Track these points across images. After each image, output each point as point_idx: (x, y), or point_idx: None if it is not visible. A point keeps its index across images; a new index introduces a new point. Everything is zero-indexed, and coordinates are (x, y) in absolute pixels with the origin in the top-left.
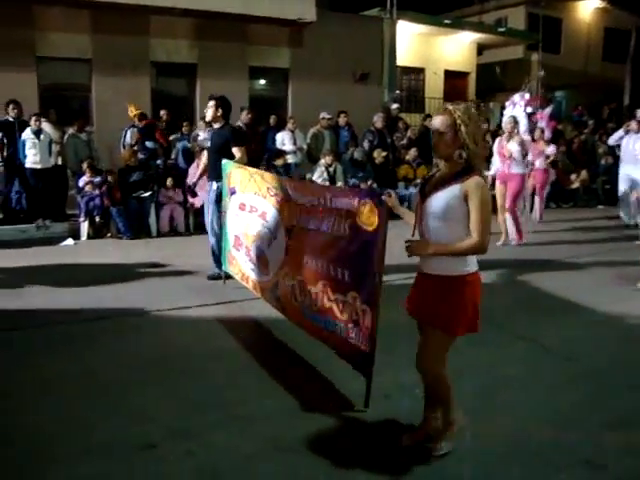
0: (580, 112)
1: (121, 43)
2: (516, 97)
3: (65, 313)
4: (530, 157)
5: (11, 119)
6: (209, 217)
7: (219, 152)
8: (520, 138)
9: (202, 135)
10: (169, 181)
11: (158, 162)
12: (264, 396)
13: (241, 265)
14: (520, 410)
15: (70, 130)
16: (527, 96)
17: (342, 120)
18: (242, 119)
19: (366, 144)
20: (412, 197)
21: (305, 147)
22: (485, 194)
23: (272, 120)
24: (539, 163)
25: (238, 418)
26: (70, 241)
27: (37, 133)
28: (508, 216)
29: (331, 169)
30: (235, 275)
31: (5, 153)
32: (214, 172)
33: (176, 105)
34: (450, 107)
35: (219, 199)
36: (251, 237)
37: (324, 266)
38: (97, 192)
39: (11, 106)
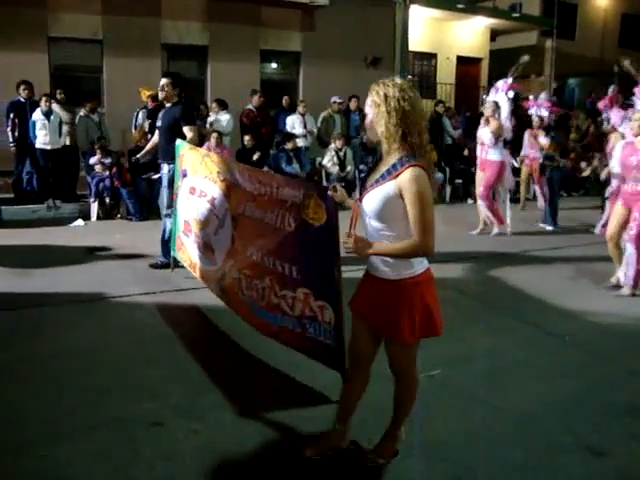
0: (592, 100)
1: (133, 24)
2: (499, 83)
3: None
4: (526, 145)
5: (22, 100)
6: (163, 201)
7: (170, 132)
8: (497, 123)
9: (213, 117)
10: None
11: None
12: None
13: (189, 252)
14: (524, 395)
15: (81, 111)
16: (509, 81)
17: (353, 104)
18: (253, 102)
19: None
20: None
21: (315, 131)
22: (421, 188)
23: (285, 101)
24: (536, 152)
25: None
26: (80, 222)
27: (47, 114)
28: (482, 203)
29: (341, 153)
30: (184, 262)
31: (16, 134)
32: (165, 153)
33: (187, 86)
34: (377, 85)
35: (172, 182)
36: (199, 223)
37: (269, 260)
38: (107, 173)
39: (22, 87)
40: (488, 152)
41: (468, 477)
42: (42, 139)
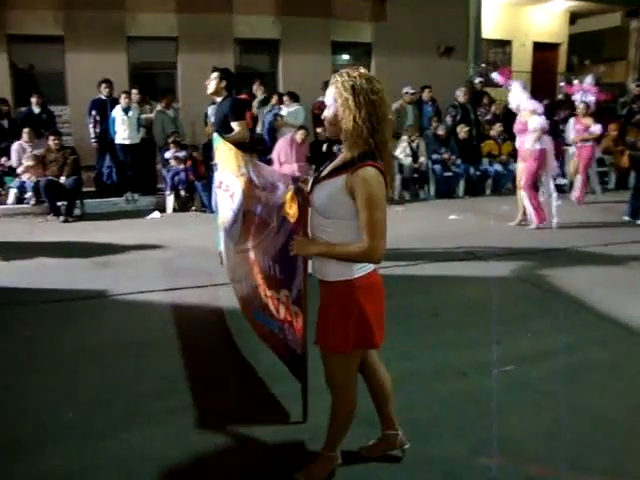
0: None
1: (206, 20)
2: (497, 79)
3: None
4: (572, 134)
5: (103, 97)
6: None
7: (221, 127)
8: (526, 109)
9: (284, 110)
10: (253, 156)
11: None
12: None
13: (222, 247)
14: (604, 394)
15: (158, 106)
16: (498, 72)
17: (426, 95)
18: (324, 94)
19: (449, 119)
20: (496, 175)
21: None
22: (374, 188)
23: None
24: (583, 141)
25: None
26: (157, 214)
27: (126, 110)
28: (524, 195)
29: (414, 145)
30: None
31: (97, 130)
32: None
33: (259, 81)
34: (341, 75)
35: None
36: (224, 218)
37: (262, 258)
38: (182, 167)
39: (103, 85)
40: (525, 141)
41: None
42: (121, 134)
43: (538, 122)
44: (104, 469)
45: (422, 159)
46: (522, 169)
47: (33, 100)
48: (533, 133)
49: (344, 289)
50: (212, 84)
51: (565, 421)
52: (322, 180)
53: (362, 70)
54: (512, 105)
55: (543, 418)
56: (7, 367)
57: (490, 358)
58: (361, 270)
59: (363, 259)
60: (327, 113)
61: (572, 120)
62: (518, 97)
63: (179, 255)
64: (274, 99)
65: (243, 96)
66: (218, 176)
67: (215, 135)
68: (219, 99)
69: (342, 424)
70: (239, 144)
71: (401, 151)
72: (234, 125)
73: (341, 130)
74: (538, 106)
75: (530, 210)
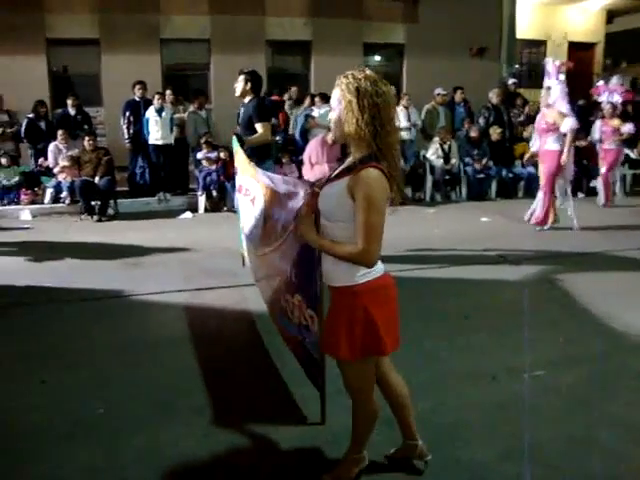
0: None
1: (238, 22)
2: (548, 66)
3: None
4: (597, 135)
5: (137, 99)
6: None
7: (246, 128)
8: (555, 111)
9: (316, 112)
10: (285, 157)
11: (277, 138)
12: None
13: (245, 249)
14: (637, 403)
15: (190, 107)
16: (557, 62)
17: (458, 96)
18: None
19: (482, 121)
20: (529, 177)
21: (419, 124)
22: (374, 191)
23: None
24: (611, 142)
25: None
26: (188, 214)
27: (159, 111)
28: (540, 194)
29: (446, 146)
30: (245, 258)
31: (131, 131)
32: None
33: (290, 82)
34: (346, 77)
35: None
36: (245, 222)
37: (280, 263)
38: (214, 167)
39: (137, 86)
40: (546, 142)
41: None
42: (154, 135)
43: (571, 123)
44: (132, 465)
45: (454, 161)
46: (542, 170)
47: (69, 102)
48: (569, 134)
49: (349, 295)
50: (239, 86)
51: (596, 429)
52: (328, 183)
53: (368, 72)
54: (549, 100)
55: (574, 426)
56: (42, 363)
57: (520, 362)
58: (367, 275)
59: (355, 261)
60: (332, 116)
61: (598, 122)
62: (557, 95)
63: (209, 255)
64: (307, 101)
65: (274, 97)
66: (238, 180)
67: (234, 138)
68: (245, 101)
69: (365, 427)
70: (264, 144)
71: (432, 152)
72: (258, 126)
73: (344, 133)
74: (569, 109)
75: (539, 208)
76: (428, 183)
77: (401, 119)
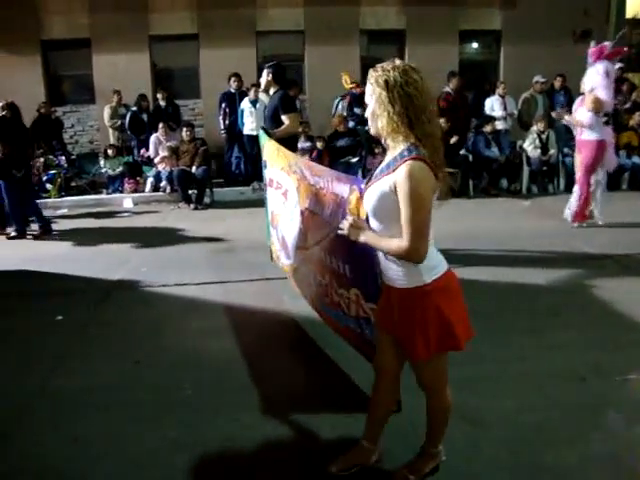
0: None
1: (332, 13)
2: (590, 51)
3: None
4: None
5: (233, 90)
6: None
7: (272, 120)
8: (592, 97)
9: None
10: (377, 148)
11: (367, 128)
12: None
13: (274, 243)
14: None
15: None
16: (608, 46)
17: (558, 83)
18: (451, 85)
19: None
20: (633, 168)
21: (516, 113)
22: (417, 185)
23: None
24: None
25: None
26: None
27: (254, 102)
28: (576, 188)
29: (544, 136)
30: (273, 253)
31: (227, 122)
32: None
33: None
34: (375, 70)
35: None
36: (277, 216)
37: (328, 257)
38: (307, 157)
39: (233, 79)
40: (583, 131)
41: None
42: (249, 126)
43: (588, 117)
44: (211, 444)
45: (552, 151)
46: (579, 161)
47: (159, 95)
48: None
49: (419, 296)
50: (263, 80)
51: None
52: (373, 182)
53: (397, 62)
54: (585, 87)
55: None
56: (138, 344)
57: (612, 364)
58: (434, 273)
59: (403, 258)
60: (367, 111)
61: None
62: (595, 80)
63: None
64: None
65: (359, 90)
66: (267, 173)
67: (261, 132)
68: (272, 93)
69: (439, 422)
70: (291, 137)
71: (530, 143)
72: (284, 118)
73: (377, 127)
74: (609, 99)
75: (574, 204)
76: (524, 174)
77: (496, 108)
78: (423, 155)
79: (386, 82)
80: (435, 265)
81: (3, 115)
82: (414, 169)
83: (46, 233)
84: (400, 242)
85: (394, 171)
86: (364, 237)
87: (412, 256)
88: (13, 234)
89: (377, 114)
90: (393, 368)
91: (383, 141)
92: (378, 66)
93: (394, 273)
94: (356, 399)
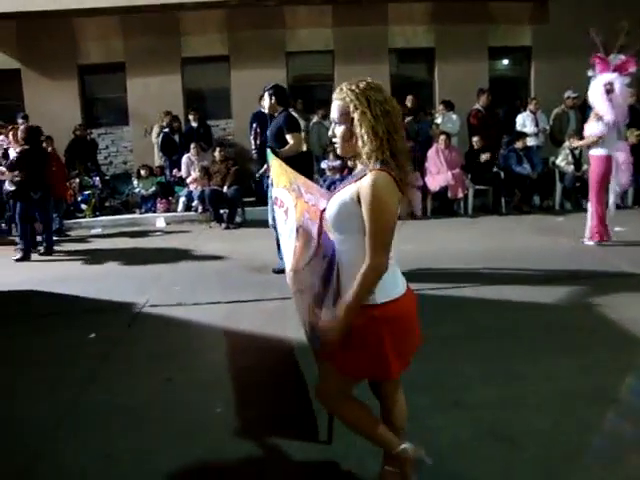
0: None
1: (361, 32)
2: (595, 60)
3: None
4: None
5: (263, 110)
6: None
7: (276, 139)
8: (593, 113)
9: (440, 119)
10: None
11: None
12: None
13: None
14: None
15: (315, 118)
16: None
17: None
18: (480, 102)
19: None
20: None
21: (548, 129)
22: (379, 193)
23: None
24: None
25: None
26: None
27: None
28: (588, 206)
29: (576, 152)
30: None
31: (258, 141)
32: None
33: (414, 90)
34: (351, 87)
35: None
36: (280, 235)
37: (310, 275)
38: (338, 176)
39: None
40: (592, 146)
41: None
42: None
43: (599, 129)
44: (240, 468)
45: (586, 167)
46: (590, 177)
47: (190, 117)
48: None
49: (367, 317)
50: (266, 103)
51: None
52: (334, 193)
53: (369, 79)
54: (589, 100)
55: None
56: (169, 362)
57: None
58: (386, 294)
59: (372, 279)
60: (338, 130)
61: None
62: (596, 94)
63: None
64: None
65: None
66: (274, 192)
67: (268, 151)
68: (275, 113)
69: (367, 435)
70: (298, 157)
71: (562, 159)
72: (288, 137)
73: (357, 146)
74: (610, 114)
75: (589, 222)
76: (557, 191)
77: (528, 124)
78: (394, 171)
79: (368, 100)
80: (391, 287)
81: (23, 149)
82: (378, 178)
83: (48, 252)
84: (363, 267)
85: (357, 181)
86: (341, 315)
87: (376, 273)
88: (18, 256)
89: (360, 132)
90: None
91: (351, 162)
92: (351, 83)
93: (347, 287)
94: None
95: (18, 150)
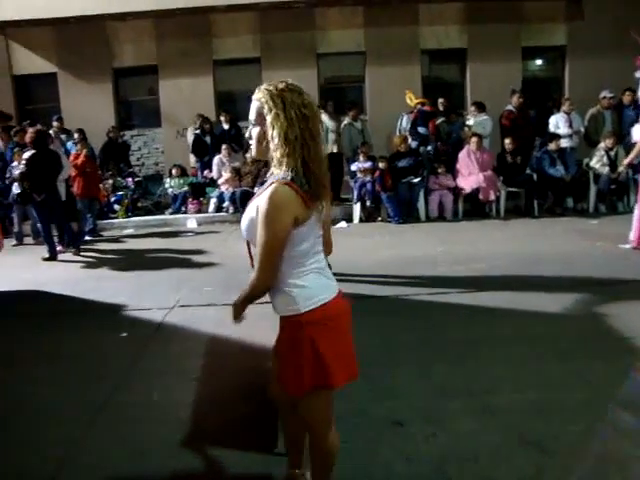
0: None
1: (392, 34)
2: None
3: None
4: None
5: None
6: None
7: None
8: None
9: (472, 121)
10: (440, 168)
11: (429, 148)
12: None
13: None
14: None
15: (346, 119)
16: None
17: (627, 98)
18: (513, 102)
19: None
20: None
21: (582, 130)
22: (271, 209)
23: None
24: None
25: None
26: (344, 224)
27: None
28: (635, 210)
29: (612, 153)
30: None
31: None
32: None
33: (446, 91)
34: (268, 89)
35: None
36: None
37: None
38: (369, 178)
39: None
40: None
41: None
42: None
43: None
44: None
45: (621, 169)
46: None
47: (222, 118)
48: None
49: (295, 326)
50: None
51: None
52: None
53: (290, 81)
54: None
55: None
56: (199, 361)
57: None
58: (311, 304)
59: (259, 292)
60: (254, 131)
61: None
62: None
63: (366, 264)
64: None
65: (427, 108)
66: None
67: None
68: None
69: (319, 465)
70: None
71: (597, 160)
72: None
73: (269, 149)
74: None
75: (634, 226)
76: (592, 193)
77: (561, 125)
78: (297, 182)
79: (283, 101)
80: (314, 294)
81: (31, 154)
82: (276, 192)
83: (76, 252)
84: (251, 278)
85: (264, 191)
86: (239, 305)
87: (262, 285)
88: (46, 256)
89: (271, 135)
90: (285, 398)
91: (269, 170)
92: (270, 84)
93: (272, 299)
94: None
95: (26, 156)
